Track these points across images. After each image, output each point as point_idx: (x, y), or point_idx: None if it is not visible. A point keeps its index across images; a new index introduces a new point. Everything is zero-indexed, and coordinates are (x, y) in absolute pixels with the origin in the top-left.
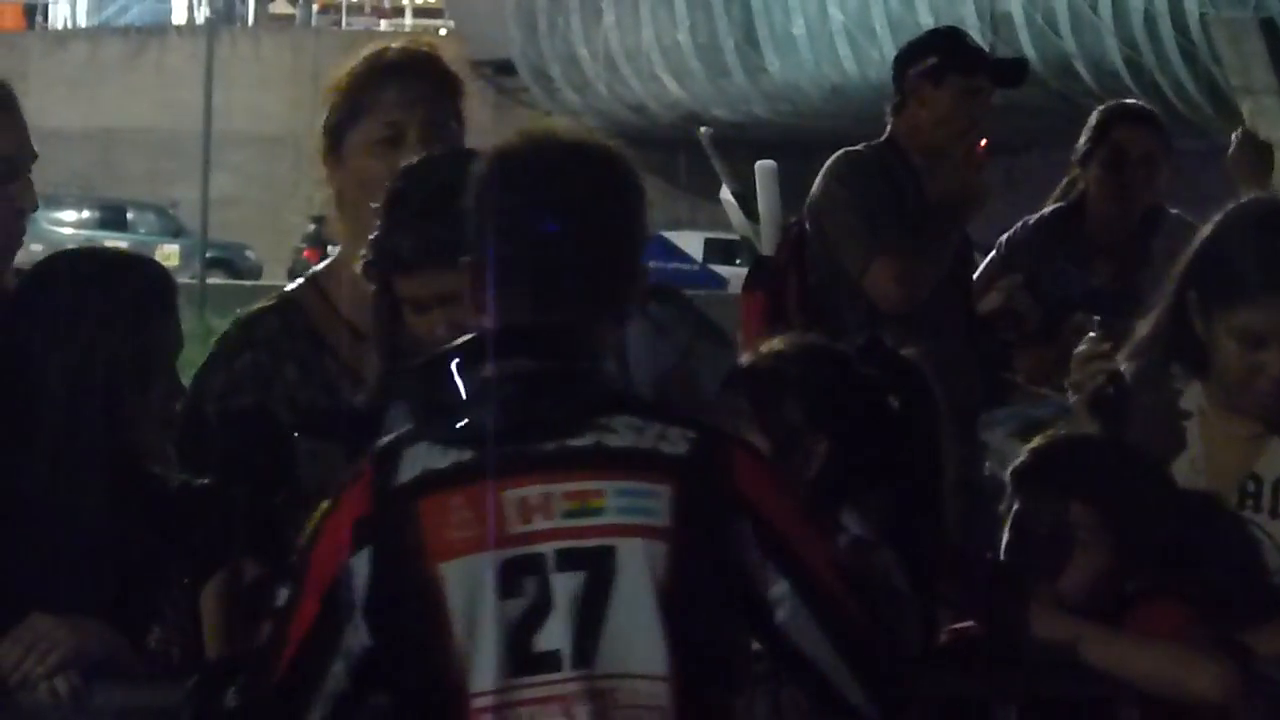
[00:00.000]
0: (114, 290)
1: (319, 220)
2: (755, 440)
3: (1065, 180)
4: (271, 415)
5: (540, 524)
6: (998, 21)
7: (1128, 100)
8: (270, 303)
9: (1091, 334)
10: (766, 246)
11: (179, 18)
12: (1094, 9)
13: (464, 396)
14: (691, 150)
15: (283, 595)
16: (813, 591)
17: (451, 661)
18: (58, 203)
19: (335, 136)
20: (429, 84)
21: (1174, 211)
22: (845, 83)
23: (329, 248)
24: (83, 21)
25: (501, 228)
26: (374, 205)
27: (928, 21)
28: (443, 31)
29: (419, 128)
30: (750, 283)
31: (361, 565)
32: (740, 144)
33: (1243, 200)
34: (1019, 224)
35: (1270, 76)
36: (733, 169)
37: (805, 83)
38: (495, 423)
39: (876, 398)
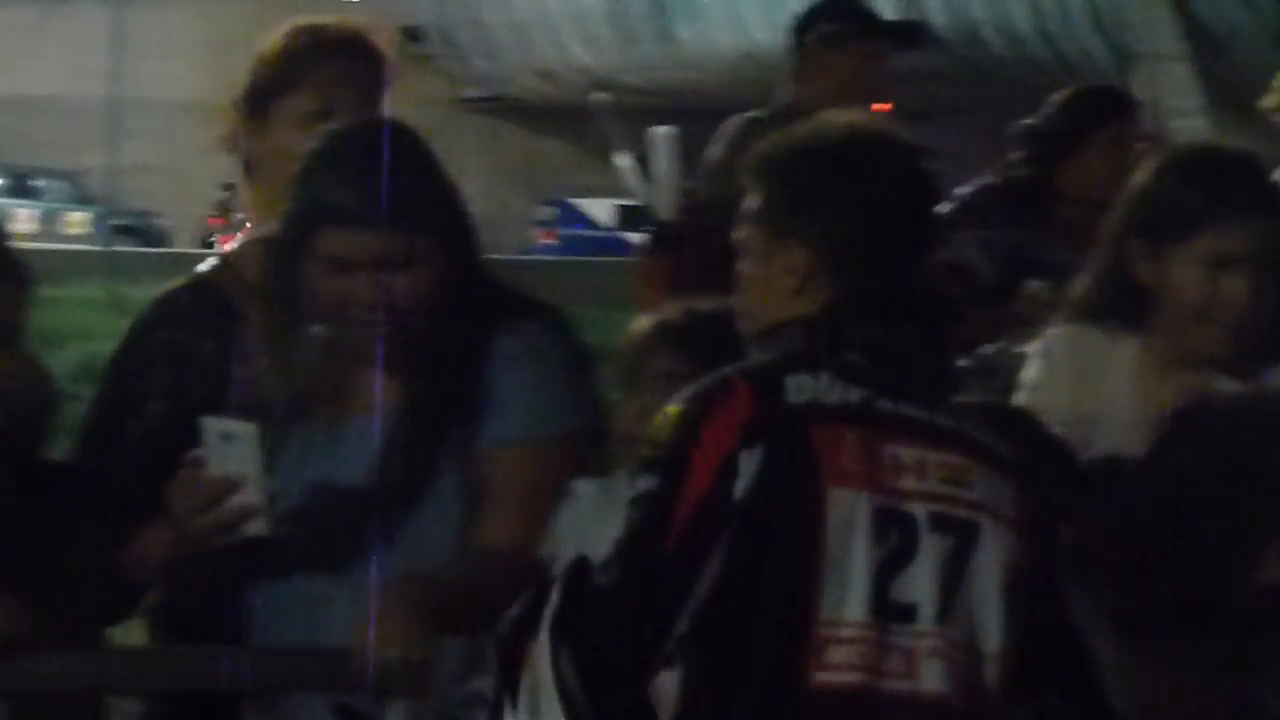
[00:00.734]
0: None
1: (229, 187)
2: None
3: (1020, 154)
4: (185, 392)
5: (914, 484)
6: None
7: (1097, 84)
8: (184, 281)
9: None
10: (664, 213)
11: None
12: None
13: (857, 344)
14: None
15: (644, 484)
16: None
17: (814, 583)
18: None
19: (258, 104)
20: (364, 66)
21: None
22: (754, 48)
23: (233, 216)
24: None
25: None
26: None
27: None
28: None
29: (350, 107)
30: (649, 249)
31: (750, 463)
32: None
33: (1170, 149)
34: (979, 183)
35: (1179, 43)
36: (640, 136)
37: (715, 48)
38: (880, 376)
39: None
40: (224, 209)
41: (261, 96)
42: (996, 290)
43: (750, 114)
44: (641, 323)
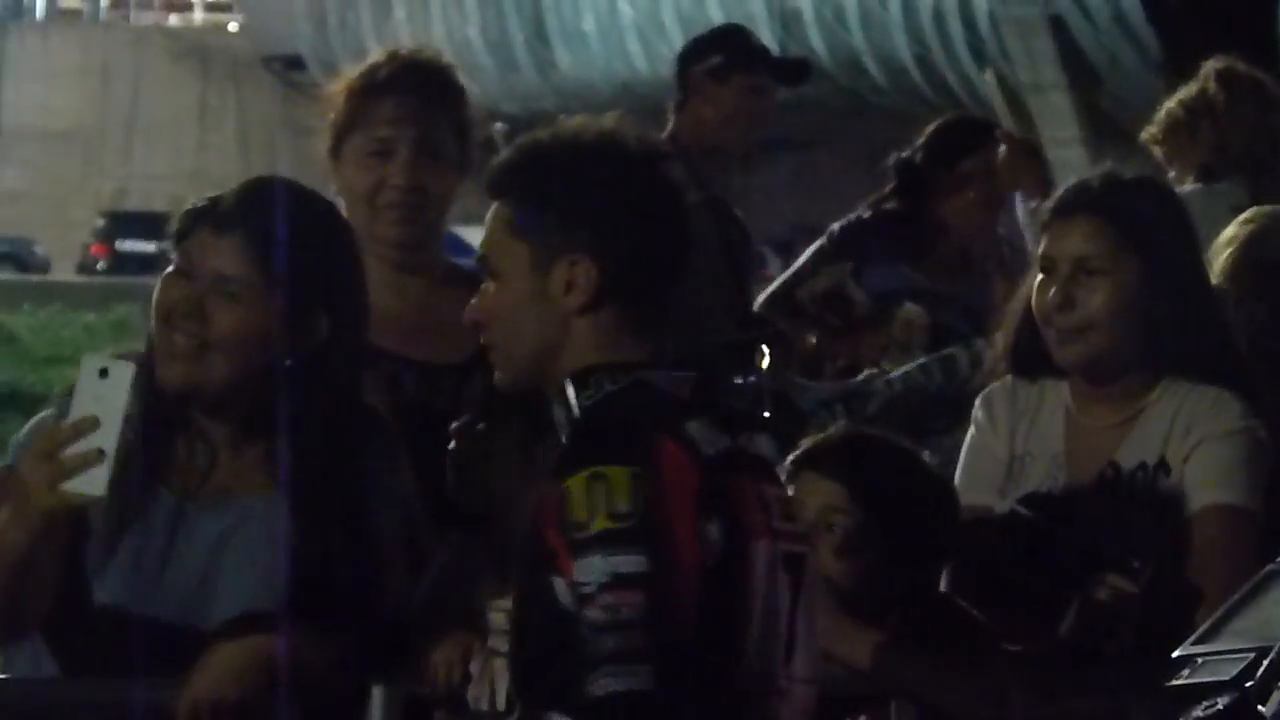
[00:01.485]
0: None
1: (108, 216)
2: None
3: (889, 188)
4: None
5: (781, 524)
6: (787, 18)
7: (975, 115)
8: None
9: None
10: None
11: None
12: (883, 5)
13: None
14: (485, 147)
15: (630, 563)
16: None
17: (750, 643)
18: None
19: (337, 140)
20: (421, 99)
21: (1000, 230)
22: (635, 79)
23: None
24: None
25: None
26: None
27: (718, 18)
28: (232, 26)
29: (410, 144)
30: None
31: (714, 533)
32: None
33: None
34: (852, 216)
35: (1059, 74)
36: None
37: (595, 79)
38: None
39: None
40: (104, 236)
41: (338, 136)
42: (872, 318)
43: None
44: None
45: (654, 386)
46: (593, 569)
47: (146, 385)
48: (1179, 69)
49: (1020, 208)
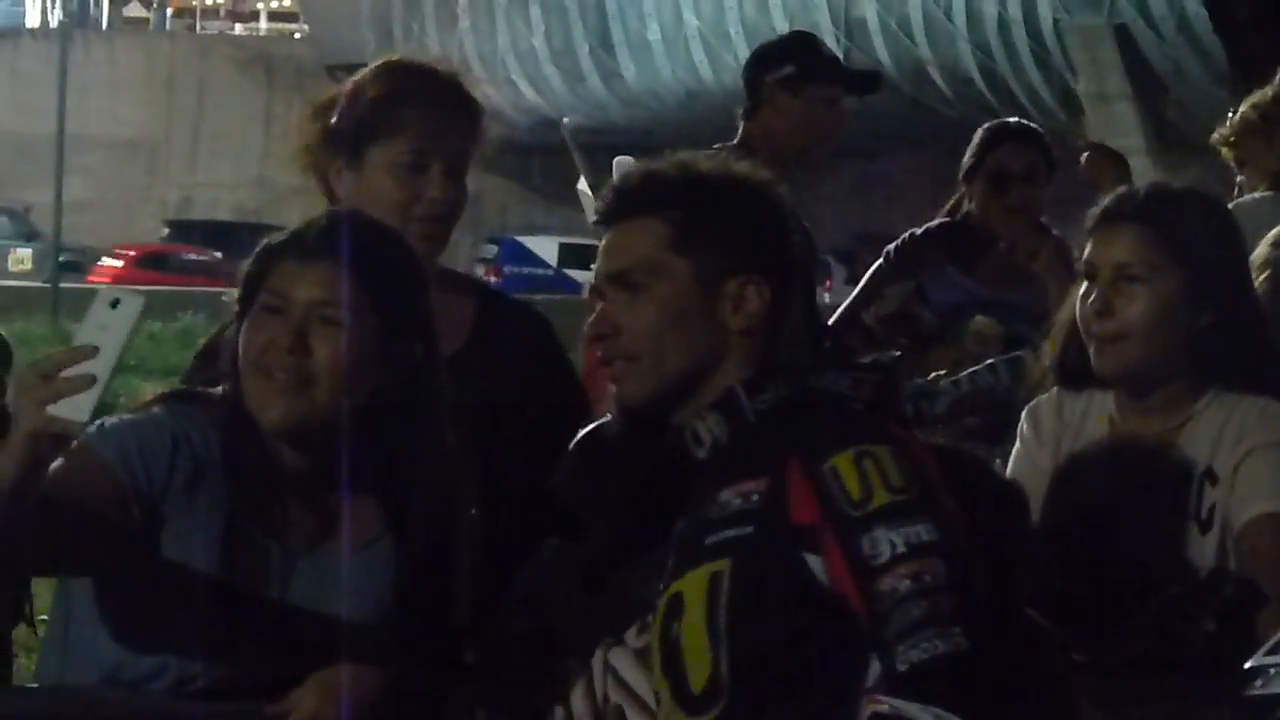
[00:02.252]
0: None
1: (172, 225)
2: None
3: (955, 196)
4: None
5: None
6: (852, 27)
7: (1011, 119)
8: None
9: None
10: None
11: (33, 20)
12: (948, 15)
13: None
14: (546, 155)
15: (922, 532)
16: None
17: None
18: None
19: (354, 147)
20: (455, 112)
21: (1055, 233)
22: (700, 87)
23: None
24: None
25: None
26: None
27: (782, 26)
28: (297, 35)
29: (445, 158)
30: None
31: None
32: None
33: None
34: (906, 235)
35: (1124, 83)
36: (591, 169)
37: (660, 87)
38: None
39: None
40: (170, 243)
41: (357, 139)
42: (940, 334)
43: (704, 152)
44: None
45: (829, 390)
46: (883, 542)
47: (238, 432)
48: (1244, 78)
49: None
